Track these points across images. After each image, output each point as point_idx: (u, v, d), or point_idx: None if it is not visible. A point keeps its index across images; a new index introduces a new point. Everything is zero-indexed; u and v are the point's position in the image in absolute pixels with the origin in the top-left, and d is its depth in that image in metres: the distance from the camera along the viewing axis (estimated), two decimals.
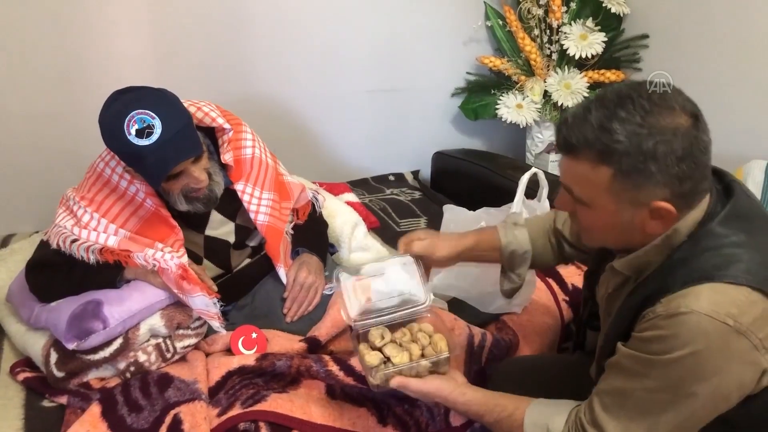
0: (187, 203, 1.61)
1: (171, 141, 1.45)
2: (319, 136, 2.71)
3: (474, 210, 1.95)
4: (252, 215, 1.71)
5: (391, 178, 2.82)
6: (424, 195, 2.66)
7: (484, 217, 1.85)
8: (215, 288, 1.62)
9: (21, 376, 1.59)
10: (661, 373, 1.03)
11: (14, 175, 2.32)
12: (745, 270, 1.02)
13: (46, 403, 1.54)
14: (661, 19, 2.58)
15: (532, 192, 1.97)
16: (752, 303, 1.01)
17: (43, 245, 1.65)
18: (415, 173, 2.87)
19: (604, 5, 2.63)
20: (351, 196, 2.39)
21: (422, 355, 1.29)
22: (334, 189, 2.38)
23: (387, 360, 1.29)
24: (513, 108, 2.75)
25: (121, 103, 1.46)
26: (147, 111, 1.45)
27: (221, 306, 1.70)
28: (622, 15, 2.65)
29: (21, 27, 2.17)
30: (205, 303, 1.57)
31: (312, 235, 1.89)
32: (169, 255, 1.56)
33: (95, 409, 1.45)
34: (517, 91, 2.78)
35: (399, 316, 1.37)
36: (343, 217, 2.09)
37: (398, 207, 2.53)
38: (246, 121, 1.83)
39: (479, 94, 2.87)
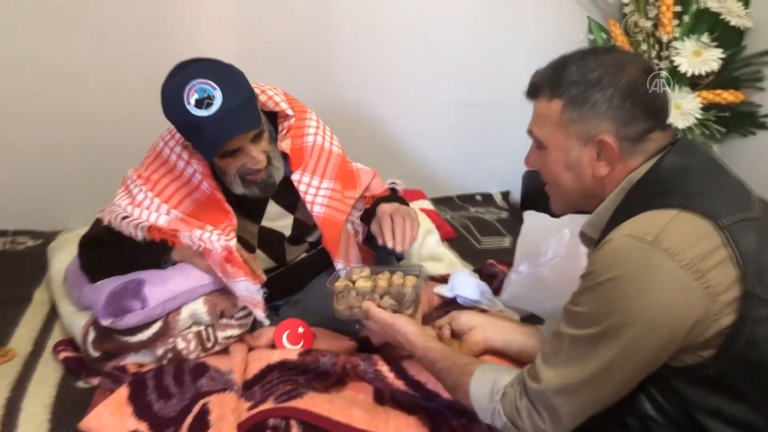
0: (243, 186, 1.53)
1: (230, 114, 1.38)
2: (403, 148, 2.59)
3: None
4: (308, 206, 1.59)
5: (478, 198, 2.65)
6: (511, 216, 2.47)
7: (569, 224, 1.64)
8: (263, 276, 1.50)
9: (62, 355, 1.53)
10: (586, 307, 1.00)
11: (102, 171, 2.34)
12: (677, 196, 1.00)
13: (81, 384, 1.47)
14: None
15: None
16: (678, 222, 0.97)
17: (97, 222, 1.60)
18: (505, 194, 2.69)
19: (722, 18, 2.39)
20: (426, 203, 2.25)
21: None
22: (409, 195, 2.21)
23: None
24: None
25: (184, 73, 1.42)
26: (208, 81, 1.39)
27: (273, 301, 1.60)
28: (743, 29, 2.40)
29: (109, 27, 2.22)
30: (248, 289, 1.45)
31: (392, 200, 1.66)
32: (216, 236, 1.47)
33: (123, 391, 1.36)
34: None
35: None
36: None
37: (482, 225, 2.36)
38: (328, 126, 1.74)
39: None
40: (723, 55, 2.41)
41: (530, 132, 1.18)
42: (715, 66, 2.41)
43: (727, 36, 2.43)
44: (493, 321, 1.41)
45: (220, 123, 1.38)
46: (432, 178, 2.63)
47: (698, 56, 2.42)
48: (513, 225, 2.35)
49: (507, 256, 1.97)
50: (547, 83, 1.12)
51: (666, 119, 1.12)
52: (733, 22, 2.37)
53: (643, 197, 1.05)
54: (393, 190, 1.76)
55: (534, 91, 1.16)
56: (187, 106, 1.37)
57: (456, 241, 2.15)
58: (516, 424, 1.06)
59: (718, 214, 0.98)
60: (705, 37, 2.43)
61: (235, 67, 1.48)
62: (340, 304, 1.36)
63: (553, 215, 1.77)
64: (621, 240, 0.98)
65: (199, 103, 1.38)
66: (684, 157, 1.08)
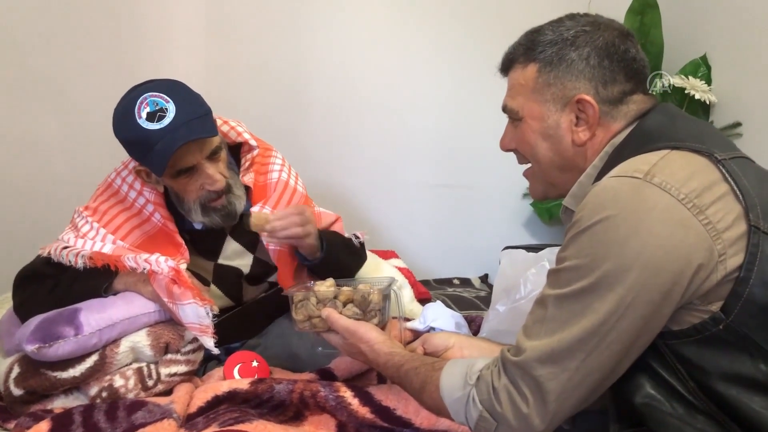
0: (203, 214, 1.43)
1: (183, 126, 1.31)
2: (376, 231, 2.50)
3: None
4: (264, 239, 1.48)
5: (456, 281, 2.52)
6: (491, 295, 2.34)
7: (547, 255, 1.54)
8: (212, 300, 1.35)
9: None
10: (574, 260, 0.87)
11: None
12: (666, 140, 0.93)
13: None
14: (752, 104, 2.34)
15: None
16: (670, 158, 0.89)
17: (36, 257, 1.47)
18: (483, 278, 2.57)
19: (687, 92, 2.43)
20: (399, 262, 2.12)
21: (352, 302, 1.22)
22: (382, 254, 2.11)
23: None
24: None
25: (137, 90, 1.36)
26: (161, 94, 1.33)
27: (227, 344, 1.44)
28: (708, 103, 2.43)
29: (73, 95, 2.20)
30: (197, 313, 1.30)
31: (330, 233, 1.57)
32: (163, 258, 1.34)
33: (43, 426, 1.16)
34: None
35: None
36: (385, 275, 1.80)
37: (460, 301, 2.22)
38: None
39: None
40: None
41: (504, 107, 1.11)
42: None
43: (695, 112, 2.45)
44: (471, 340, 1.26)
45: (173, 135, 1.30)
46: (407, 262, 2.52)
47: None
48: None
49: None
50: (521, 50, 1.07)
51: (646, 82, 1.06)
52: (697, 96, 2.41)
53: (627, 153, 0.95)
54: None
55: (508, 63, 1.10)
56: (138, 120, 1.31)
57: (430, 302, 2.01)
58: (493, 411, 0.89)
59: (712, 151, 0.90)
60: None
61: (193, 90, 1.43)
62: (299, 314, 1.22)
63: (531, 249, 1.69)
64: (607, 181, 0.89)
65: (151, 117, 1.31)
66: (668, 116, 1.01)
